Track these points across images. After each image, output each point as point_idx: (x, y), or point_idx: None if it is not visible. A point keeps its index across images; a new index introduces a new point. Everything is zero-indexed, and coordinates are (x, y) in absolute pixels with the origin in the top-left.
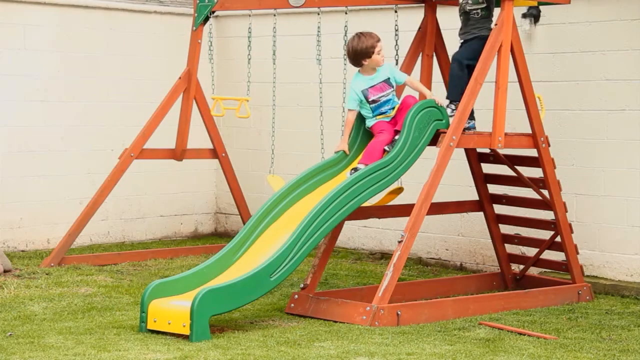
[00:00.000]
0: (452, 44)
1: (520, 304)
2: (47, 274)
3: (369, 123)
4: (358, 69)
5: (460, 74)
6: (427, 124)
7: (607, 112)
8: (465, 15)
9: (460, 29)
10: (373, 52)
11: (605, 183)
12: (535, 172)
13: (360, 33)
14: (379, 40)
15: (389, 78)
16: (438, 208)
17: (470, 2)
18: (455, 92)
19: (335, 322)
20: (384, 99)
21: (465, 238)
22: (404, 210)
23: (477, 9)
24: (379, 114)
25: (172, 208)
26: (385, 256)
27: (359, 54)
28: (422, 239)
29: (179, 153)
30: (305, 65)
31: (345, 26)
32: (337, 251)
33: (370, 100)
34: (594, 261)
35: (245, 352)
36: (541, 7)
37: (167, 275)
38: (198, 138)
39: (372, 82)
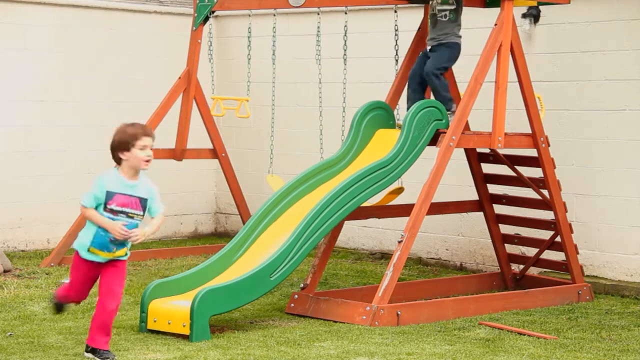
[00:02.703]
0: None
1: (520, 304)
2: (47, 274)
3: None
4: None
5: (439, 83)
6: (427, 124)
7: (607, 112)
8: (433, 17)
9: (428, 34)
10: (134, 145)
11: (605, 183)
12: (535, 172)
13: (129, 123)
14: (146, 135)
15: (147, 200)
16: (438, 208)
17: (439, 1)
18: (447, 100)
19: (335, 322)
20: (122, 219)
21: (465, 238)
22: (404, 210)
23: (446, 10)
24: (106, 243)
25: (172, 208)
26: (385, 256)
27: (116, 145)
28: (422, 239)
29: (179, 153)
30: (305, 65)
31: (345, 26)
32: (337, 251)
33: (108, 208)
34: (594, 261)
35: (245, 352)
36: (541, 7)
37: (167, 275)
38: (198, 138)
39: (127, 190)
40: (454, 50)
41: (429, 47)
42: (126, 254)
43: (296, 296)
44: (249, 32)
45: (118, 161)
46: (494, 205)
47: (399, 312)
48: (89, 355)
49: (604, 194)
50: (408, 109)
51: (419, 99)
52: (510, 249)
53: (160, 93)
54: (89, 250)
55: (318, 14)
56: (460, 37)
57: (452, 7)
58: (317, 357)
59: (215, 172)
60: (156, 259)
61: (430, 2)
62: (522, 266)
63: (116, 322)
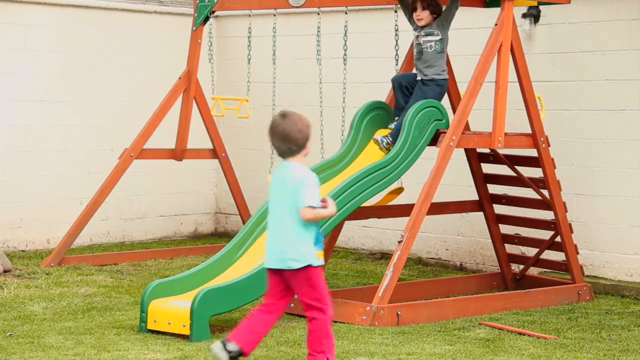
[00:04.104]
0: (452, 44)
1: (520, 304)
2: (47, 274)
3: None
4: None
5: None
6: (427, 124)
7: (607, 112)
8: (418, 47)
9: (415, 64)
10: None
11: (605, 183)
12: (535, 172)
13: (289, 113)
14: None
15: None
16: (438, 208)
17: (423, 33)
18: (396, 132)
19: (335, 322)
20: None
21: (465, 238)
22: (404, 210)
23: (431, 41)
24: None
25: (172, 208)
26: (385, 256)
27: (306, 136)
28: (422, 239)
29: (179, 153)
30: (305, 65)
31: (345, 26)
32: (337, 251)
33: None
34: (594, 261)
35: None
36: (541, 7)
37: (167, 275)
38: (198, 138)
39: None
40: (443, 89)
41: (418, 78)
42: None
43: (296, 296)
44: (249, 32)
45: (298, 152)
46: (494, 205)
47: (399, 312)
48: None
49: (604, 194)
50: (396, 115)
51: (405, 102)
52: (510, 249)
53: (160, 93)
54: (317, 257)
55: (318, 14)
56: (445, 70)
57: (438, 38)
58: None
59: (215, 172)
60: (156, 259)
61: (415, 33)
62: (522, 266)
63: (116, 322)
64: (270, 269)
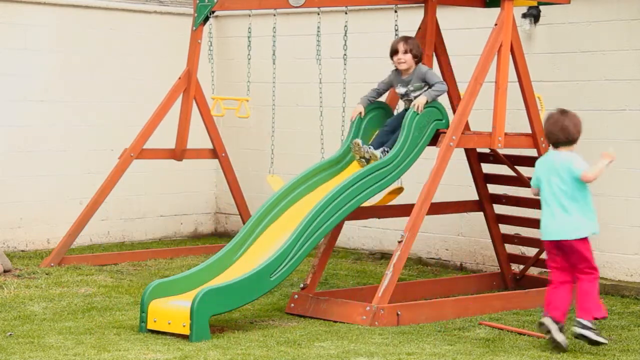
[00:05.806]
0: (452, 44)
1: (520, 304)
2: (47, 274)
3: None
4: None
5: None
6: (427, 124)
7: (607, 112)
8: (405, 102)
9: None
10: None
11: (605, 183)
12: None
13: (567, 112)
14: None
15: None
16: (438, 208)
17: (404, 86)
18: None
19: (335, 322)
20: None
21: (465, 238)
22: (404, 210)
23: (415, 92)
24: None
25: (172, 208)
26: (385, 256)
27: (580, 134)
28: (422, 239)
29: (179, 153)
30: (305, 65)
31: (345, 26)
32: (337, 251)
33: None
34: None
35: (245, 352)
36: (541, 7)
37: (167, 275)
38: (198, 138)
39: None
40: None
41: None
42: None
43: (296, 296)
44: (249, 32)
45: (571, 144)
46: (494, 205)
47: (399, 312)
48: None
49: (604, 194)
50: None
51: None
52: (510, 249)
53: (160, 93)
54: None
55: (318, 14)
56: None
57: (420, 92)
58: (317, 357)
59: (215, 172)
60: (156, 259)
61: (397, 89)
62: (522, 266)
63: (116, 322)
64: (551, 242)
